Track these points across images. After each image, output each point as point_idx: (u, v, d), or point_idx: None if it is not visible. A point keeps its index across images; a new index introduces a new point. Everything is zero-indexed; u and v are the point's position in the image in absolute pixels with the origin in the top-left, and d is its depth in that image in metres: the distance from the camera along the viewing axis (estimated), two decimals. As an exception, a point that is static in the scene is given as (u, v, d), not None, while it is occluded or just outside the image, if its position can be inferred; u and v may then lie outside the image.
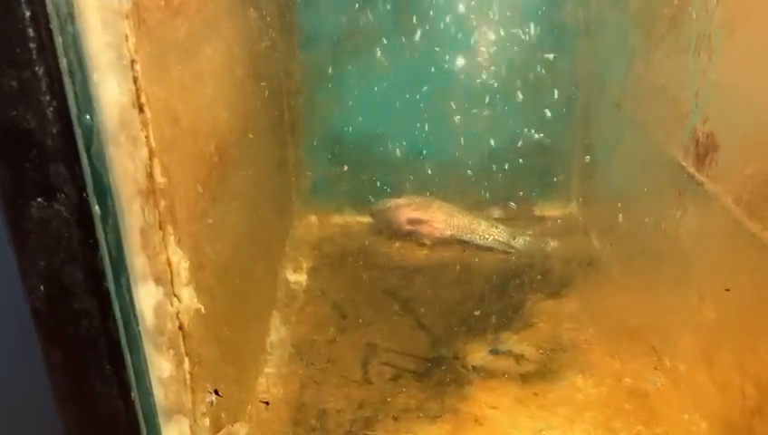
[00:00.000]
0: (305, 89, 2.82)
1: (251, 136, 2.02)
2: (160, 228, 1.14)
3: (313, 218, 3.01)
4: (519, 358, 2.09)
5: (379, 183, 2.91)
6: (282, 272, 2.55)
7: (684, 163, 1.85)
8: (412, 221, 2.80)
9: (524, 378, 1.99)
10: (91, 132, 1.06)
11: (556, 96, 2.78)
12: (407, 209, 2.83)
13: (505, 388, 1.96)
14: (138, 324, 1.20)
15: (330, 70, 2.77)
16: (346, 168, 2.91)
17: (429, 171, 2.88)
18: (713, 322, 1.68)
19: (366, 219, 2.97)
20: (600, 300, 2.33)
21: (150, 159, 1.09)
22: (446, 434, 1.79)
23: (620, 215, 2.38)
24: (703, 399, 1.78)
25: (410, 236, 2.80)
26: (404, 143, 2.87)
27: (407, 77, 2.77)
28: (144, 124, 1.07)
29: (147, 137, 1.08)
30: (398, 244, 2.81)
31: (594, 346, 2.12)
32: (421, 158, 2.89)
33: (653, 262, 2.08)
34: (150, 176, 1.10)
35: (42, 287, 1.13)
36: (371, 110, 2.82)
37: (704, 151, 1.72)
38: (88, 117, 1.06)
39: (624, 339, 2.13)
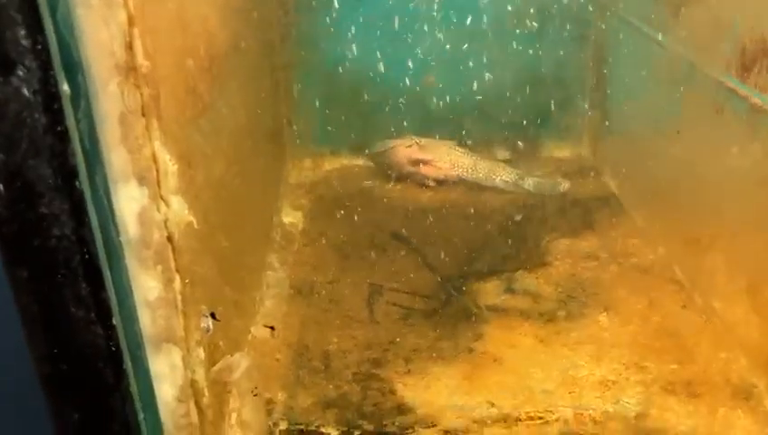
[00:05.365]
0: (298, 17, 2.60)
1: (242, 52, 1.82)
2: (143, 115, 0.95)
3: (308, 162, 2.82)
4: (536, 297, 1.93)
5: (377, 122, 2.72)
6: (276, 214, 2.36)
7: (723, 78, 1.68)
8: (414, 161, 2.61)
9: (544, 317, 1.84)
10: (55, -11, 0.87)
11: (565, 17, 2.58)
12: (408, 150, 2.65)
13: (524, 327, 1.80)
14: (118, 234, 1.01)
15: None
16: (342, 106, 2.71)
17: (431, 109, 2.68)
18: (762, 250, 1.52)
19: (364, 162, 2.79)
20: (621, 238, 2.17)
21: (130, 25, 0.90)
22: (464, 375, 1.63)
23: (641, 147, 2.21)
24: (743, 334, 1.64)
25: (412, 177, 2.62)
26: (404, 79, 2.67)
27: (408, 6, 2.57)
28: (121, -20, 0.87)
29: (125, -2, 0.88)
30: (399, 186, 2.63)
31: (617, 284, 1.96)
32: (422, 95, 2.69)
33: (682, 192, 1.92)
34: (130, 48, 0.91)
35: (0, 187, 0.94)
36: (369, 43, 2.62)
37: (751, 60, 1.54)
38: (50, -32, 0.86)
39: (649, 277, 1.98)
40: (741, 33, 1.58)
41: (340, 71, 2.67)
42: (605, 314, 1.84)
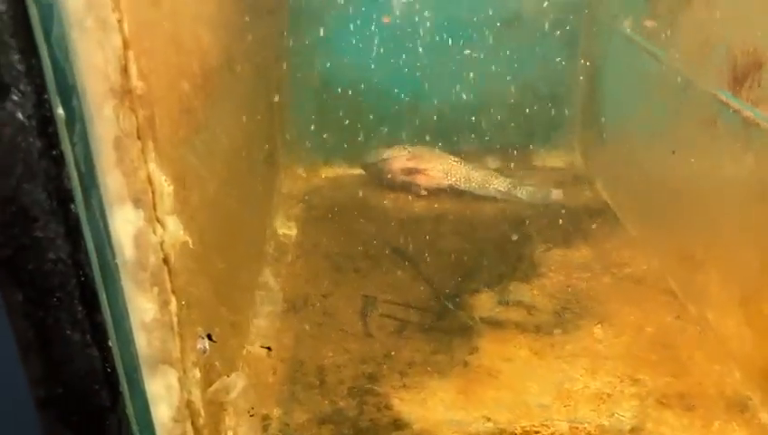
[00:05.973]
0: (293, 29, 2.60)
1: (235, 70, 1.82)
2: (138, 138, 0.95)
3: (301, 171, 2.82)
4: (531, 309, 1.93)
5: (370, 132, 2.72)
6: (270, 225, 2.36)
7: (715, 91, 1.69)
8: (407, 171, 2.61)
9: (538, 329, 1.84)
10: (50, 13, 0.86)
11: (556, 27, 2.59)
12: (401, 159, 2.65)
13: (518, 339, 1.80)
14: (114, 257, 1.01)
15: (319, 9, 2.56)
16: (335, 116, 2.71)
17: (424, 119, 2.69)
18: (755, 262, 1.53)
19: (357, 171, 2.78)
20: (614, 248, 2.18)
21: (125, 48, 0.89)
22: (459, 389, 1.63)
23: (634, 157, 2.22)
24: (737, 347, 1.64)
25: (405, 186, 2.62)
26: (397, 89, 2.68)
27: (400, 17, 2.57)
28: (116, 3, 0.87)
29: (120, 21, 0.88)
30: (392, 196, 2.63)
31: (611, 296, 1.97)
32: (415, 105, 2.70)
33: (675, 203, 1.93)
34: (125, 72, 0.90)
35: (-6, 211, 0.93)
36: (362, 53, 2.62)
37: (742, 73, 1.55)
38: (45, -7, 0.86)
39: (642, 288, 1.99)
40: (732, 46, 1.59)
41: (334, 82, 2.67)
42: (599, 325, 1.84)
